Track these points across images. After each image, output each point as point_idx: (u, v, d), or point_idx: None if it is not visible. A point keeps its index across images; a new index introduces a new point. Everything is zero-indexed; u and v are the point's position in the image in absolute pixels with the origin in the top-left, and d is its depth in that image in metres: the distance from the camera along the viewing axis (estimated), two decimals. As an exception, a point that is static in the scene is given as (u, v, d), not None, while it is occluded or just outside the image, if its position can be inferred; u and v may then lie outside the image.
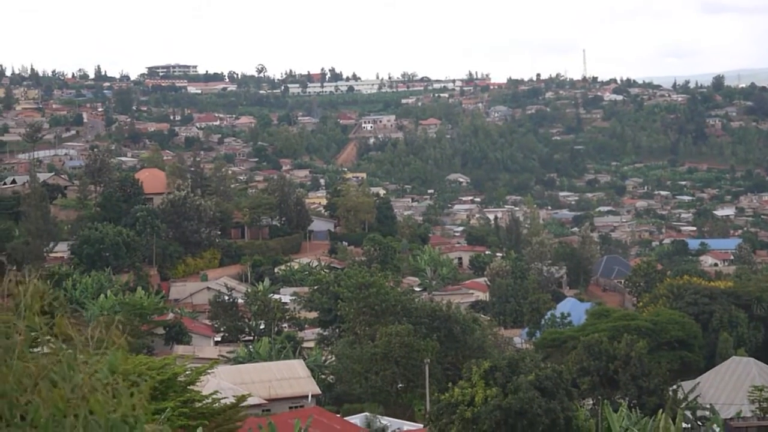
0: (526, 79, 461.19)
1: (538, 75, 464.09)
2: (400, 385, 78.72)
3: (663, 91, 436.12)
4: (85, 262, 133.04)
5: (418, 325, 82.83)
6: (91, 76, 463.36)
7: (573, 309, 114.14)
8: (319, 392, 74.65)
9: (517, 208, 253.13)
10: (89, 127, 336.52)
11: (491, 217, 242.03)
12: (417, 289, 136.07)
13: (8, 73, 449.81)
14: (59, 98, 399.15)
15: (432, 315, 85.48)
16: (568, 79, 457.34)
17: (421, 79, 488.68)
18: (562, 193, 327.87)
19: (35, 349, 8.52)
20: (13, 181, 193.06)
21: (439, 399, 51.83)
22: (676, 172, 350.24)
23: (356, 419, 64.56)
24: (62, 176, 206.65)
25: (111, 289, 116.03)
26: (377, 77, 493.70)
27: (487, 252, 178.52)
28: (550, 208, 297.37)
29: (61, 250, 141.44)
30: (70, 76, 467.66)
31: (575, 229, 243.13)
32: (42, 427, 8.15)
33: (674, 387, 64.40)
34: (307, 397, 71.70)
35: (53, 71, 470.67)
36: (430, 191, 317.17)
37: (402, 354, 76.91)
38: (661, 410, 45.73)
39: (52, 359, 8.39)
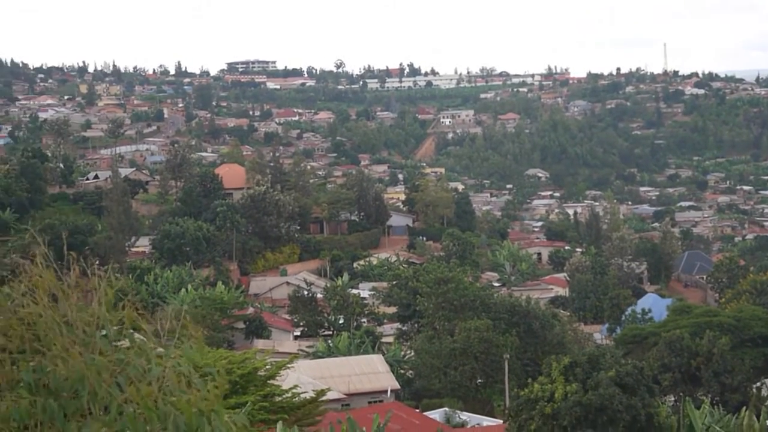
0: (606, 74, 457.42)
1: (618, 69, 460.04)
2: (479, 380, 78.44)
3: (746, 84, 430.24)
4: (166, 257, 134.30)
5: (497, 321, 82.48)
6: (172, 72, 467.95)
7: (654, 305, 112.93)
8: (398, 387, 74.61)
9: (596, 203, 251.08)
10: (170, 123, 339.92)
11: (571, 212, 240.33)
12: (496, 284, 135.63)
13: (91, 69, 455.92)
14: (140, 94, 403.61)
15: (511, 310, 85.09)
16: (648, 73, 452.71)
17: (500, 74, 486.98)
18: (642, 188, 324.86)
19: (118, 343, 8.55)
20: (96, 177, 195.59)
21: (519, 394, 51.49)
22: (758, 166, 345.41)
23: (435, 414, 64.41)
24: (143, 171, 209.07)
25: (191, 283, 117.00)
26: (456, 72, 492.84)
27: (566, 247, 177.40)
28: (630, 203, 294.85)
29: (143, 244, 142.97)
30: (151, 72, 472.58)
31: (656, 224, 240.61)
32: (127, 420, 8.18)
33: (758, 384, 63.49)
34: (386, 392, 71.68)
35: (135, 67, 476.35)
36: (508, 186, 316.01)
37: (481, 349, 76.64)
38: (744, 408, 44.99)
39: (129, 353, 8.43)
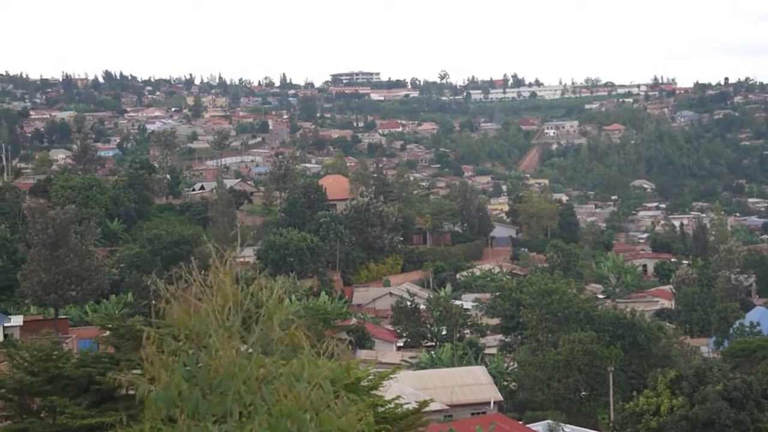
0: (713, 83, 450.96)
1: (726, 79, 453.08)
2: (583, 393, 77.75)
3: None
4: (271, 267, 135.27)
5: (602, 333, 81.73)
6: (277, 83, 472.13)
7: (763, 318, 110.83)
8: (501, 399, 74.23)
9: (703, 215, 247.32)
10: (274, 134, 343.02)
11: (677, 223, 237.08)
12: (600, 296, 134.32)
13: (197, 81, 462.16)
14: (246, 106, 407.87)
15: (616, 322, 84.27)
16: (757, 83, 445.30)
17: (605, 84, 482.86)
18: (751, 200, 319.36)
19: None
20: (202, 187, 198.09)
21: (624, 408, 50.96)
22: None
23: (539, 427, 63.93)
24: (248, 182, 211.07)
25: (295, 293, 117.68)
26: (560, 83, 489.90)
27: (672, 259, 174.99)
28: (738, 214, 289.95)
29: (247, 255, 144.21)
30: (256, 84, 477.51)
31: (765, 236, 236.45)
32: (272, 429, 8.26)
33: None
34: (489, 403, 71.35)
35: (240, 79, 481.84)
36: (613, 197, 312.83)
37: (585, 361, 75.99)
38: None
39: (276, 365, 8.53)
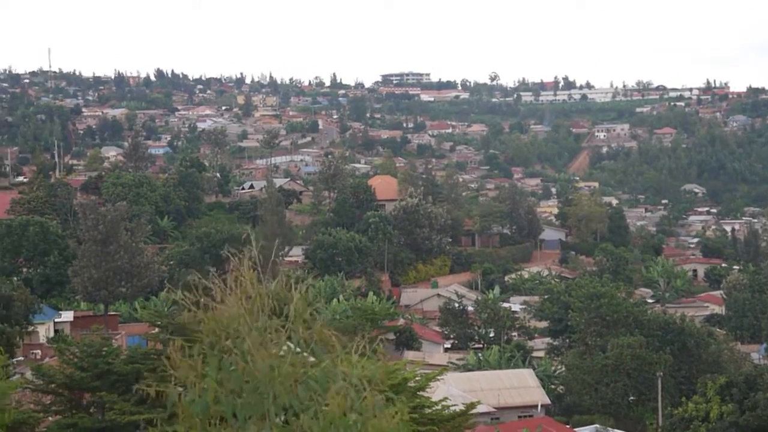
0: (767, 88, 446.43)
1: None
2: (632, 397, 77.29)
3: None
4: (319, 267, 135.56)
5: (651, 338, 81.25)
6: (327, 83, 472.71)
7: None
8: (549, 402, 73.97)
9: (755, 220, 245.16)
10: (324, 134, 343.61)
11: (728, 228, 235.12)
12: (649, 300, 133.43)
13: (248, 80, 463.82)
14: (296, 105, 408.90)
15: (665, 327, 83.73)
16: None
17: (657, 88, 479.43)
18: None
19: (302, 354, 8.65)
20: (251, 186, 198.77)
21: (672, 413, 50.56)
22: None
23: (586, 431, 63.64)
24: (298, 182, 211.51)
25: (343, 293, 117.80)
26: (611, 85, 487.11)
27: (723, 265, 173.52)
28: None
29: (296, 254, 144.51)
30: (306, 83, 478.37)
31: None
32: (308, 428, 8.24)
33: None
34: (536, 406, 71.12)
35: (291, 79, 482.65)
36: (664, 201, 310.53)
37: (633, 366, 75.57)
38: None
39: (310, 364, 8.51)
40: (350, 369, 8.55)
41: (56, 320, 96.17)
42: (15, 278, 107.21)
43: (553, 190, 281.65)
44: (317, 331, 8.73)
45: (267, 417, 8.38)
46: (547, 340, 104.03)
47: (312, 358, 8.63)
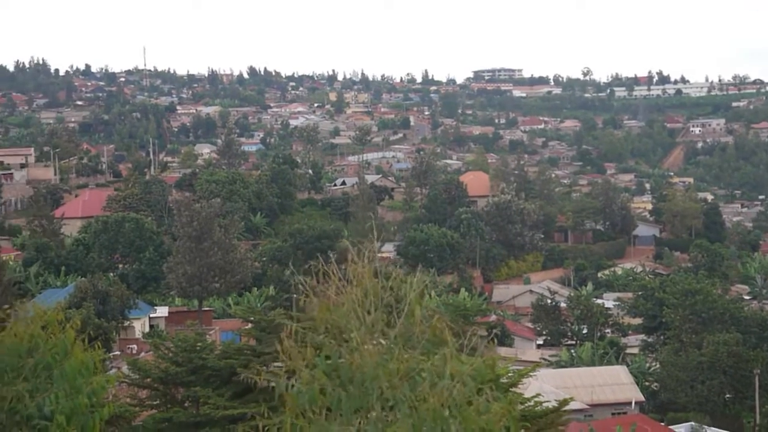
0: None
1: None
2: (728, 395, 76.29)
3: None
4: (411, 263, 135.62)
5: (747, 335, 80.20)
6: (419, 80, 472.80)
7: None
8: (643, 399, 73.29)
9: None
10: (416, 131, 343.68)
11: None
12: (746, 297, 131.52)
13: (340, 77, 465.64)
14: (387, 102, 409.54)
15: (762, 324, 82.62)
16: None
17: (754, 82, 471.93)
18: None
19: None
20: (343, 183, 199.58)
21: (771, 412, 49.70)
22: None
23: (681, 429, 62.94)
24: (389, 178, 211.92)
25: (435, 289, 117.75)
26: (706, 80, 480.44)
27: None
28: None
29: (388, 250, 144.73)
30: (398, 80, 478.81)
31: None
32: (410, 425, 8.19)
33: None
34: (630, 403, 70.52)
35: (382, 75, 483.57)
36: (761, 197, 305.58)
37: (730, 363, 74.56)
38: None
39: (418, 360, 8.52)
40: (459, 366, 8.53)
41: (151, 315, 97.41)
42: (111, 274, 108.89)
43: (647, 185, 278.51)
44: (432, 327, 8.72)
45: (371, 411, 8.39)
46: (641, 336, 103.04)
47: (421, 355, 8.63)
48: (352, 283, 8.90)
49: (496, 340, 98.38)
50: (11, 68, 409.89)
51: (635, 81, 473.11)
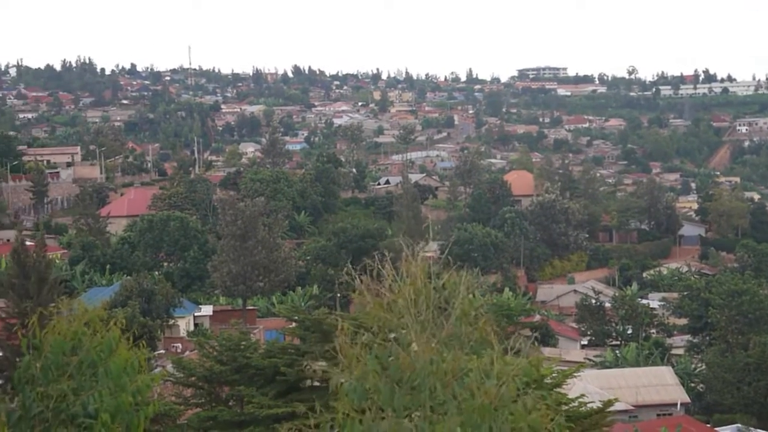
0: None
1: None
2: (775, 397, 75.55)
3: None
4: (454, 262, 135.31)
5: (796, 336, 79.36)
6: (463, 78, 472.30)
7: None
8: (689, 401, 72.76)
9: None
10: (460, 129, 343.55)
11: None
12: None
13: (384, 76, 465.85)
14: (431, 101, 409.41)
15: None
16: None
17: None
18: None
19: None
20: (387, 182, 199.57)
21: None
22: None
23: (727, 430, 62.45)
24: (433, 177, 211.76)
25: (479, 289, 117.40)
26: (753, 78, 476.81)
27: None
28: None
29: (431, 250, 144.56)
30: (442, 79, 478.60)
31: None
32: (464, 424, 8.28)
33: None
34: (675, 405, 70.03)
35: (426, 74, 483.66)
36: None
37: (777, 365, 73.89)
38: None
39: (467, 360, 8.57)
40: (506, 366, 8.57)
41: (196, 314, 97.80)
42: (156, 273, 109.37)
43: (693, 185, 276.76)
44: (479, 329, 8.78)
45: (421, 410, 8.45)
46: (687, 337, 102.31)
47: (467, 355, 8.68)
48: (405, 282, 8.94)
49: (539, 341, 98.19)
50: (58, 68, 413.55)
51: (681, 79, 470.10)
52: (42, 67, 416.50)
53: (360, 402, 8.47)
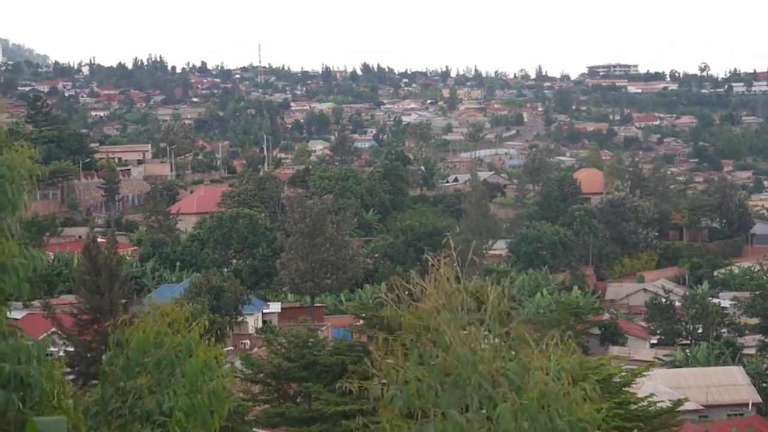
0: None
1: None
2: None
3: None
4: (523, 260, 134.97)
5: None
6: (532, 76, 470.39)
7: None
8: (760, 401, 71.94)
9: None
10: (529, 127, 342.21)
11: None
12: None
13: (453, 74, 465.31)
14: (501, 98, 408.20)
15: None
16: None
17: None
18: None
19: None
20: (455, 180, 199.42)
21: None
22: None
23: (799, 432, 61.59)
24: (502, 175, 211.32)
25: (547, 287, 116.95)
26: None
27: None
28: None
29: (500, 247, 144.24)
30: (511, 76, 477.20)
31: None
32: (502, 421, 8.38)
33: None
34: (747, 405, 69.28)
35: (496, 72, 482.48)
36: None
37: None
38: None
39: (506, 358, 8.64)
40: (546, 363, 8.64)
41: (264, 311, 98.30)
42: (225, 270, 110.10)
43: (766, 183, 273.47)
44: (514, 328, 8.84)
45: (469, 409, 8.52)
46: (759, 337, 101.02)
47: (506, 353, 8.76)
48: (436, 287, 9.06)
49: (608, 339, 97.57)
50: (130, 66, 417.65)
51: (754, 76, 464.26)
52: (114, 66, 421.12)
53: (406, 407, 8.57)
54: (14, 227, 12.29)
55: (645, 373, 48.97)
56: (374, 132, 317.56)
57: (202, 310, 69.80)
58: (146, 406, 11.53)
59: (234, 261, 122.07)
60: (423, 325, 8.87)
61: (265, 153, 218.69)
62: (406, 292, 9.21)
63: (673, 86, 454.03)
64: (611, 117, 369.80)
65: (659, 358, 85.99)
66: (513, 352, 8.76)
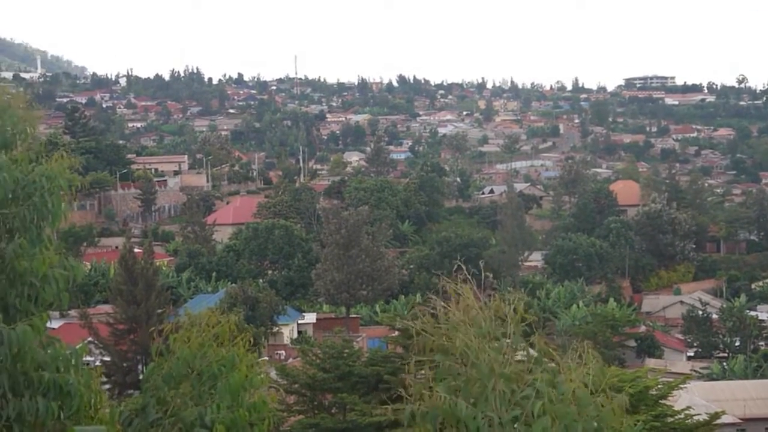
0: None
1: None
2: None
3: None
4: (558, 272, 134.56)
5: None
6: (569, 88, 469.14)
7: None
8: (798, 415, 71.30)
9: None
10: (565, 139, 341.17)
11: None
12: None
13: (489, 85, 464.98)
14: (537, 110, 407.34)
15: None
16: None
17: None
18: None
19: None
20: (491, 191, 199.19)
21: None
22: None
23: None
24: (538, 187, 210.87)
25: (583, 299, 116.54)
26: None
27: None
28: None
29: (535, 259, 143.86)
30: (548, 88, 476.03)
31: None
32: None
33: None
34: (784, 419, 68.70)
35: (532, 83, 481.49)
36: None
37: None
38: None
39: (534, 371, 8.70)
40: (572, 374, 8.73)
41: (299, 322, 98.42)
42: (261, 280, 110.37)
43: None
44: (537, 341, 8.97)
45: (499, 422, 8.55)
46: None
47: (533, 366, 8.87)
48: (459, 308, 9.22)
49: (645, 352, 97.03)
50: (167, 77, 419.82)
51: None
52: (151, 77, 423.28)
53: (437, 419, 8.67)
54: (53, 237, 12.38)
55: (682, 386, 48.71)
56: (410, 143, 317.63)
57: (238, 320, 70.08)
58: (188, 417, 11.54)
59: (269, 272, 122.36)
60: (448, 343, 8.97)
61: (301, 164, 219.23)
62: (432, 310, 9.41)
63: (711, 98, 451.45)
64: (648, 129, 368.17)
65: (696, 371, 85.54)
66: (539, 365, 8.81)
